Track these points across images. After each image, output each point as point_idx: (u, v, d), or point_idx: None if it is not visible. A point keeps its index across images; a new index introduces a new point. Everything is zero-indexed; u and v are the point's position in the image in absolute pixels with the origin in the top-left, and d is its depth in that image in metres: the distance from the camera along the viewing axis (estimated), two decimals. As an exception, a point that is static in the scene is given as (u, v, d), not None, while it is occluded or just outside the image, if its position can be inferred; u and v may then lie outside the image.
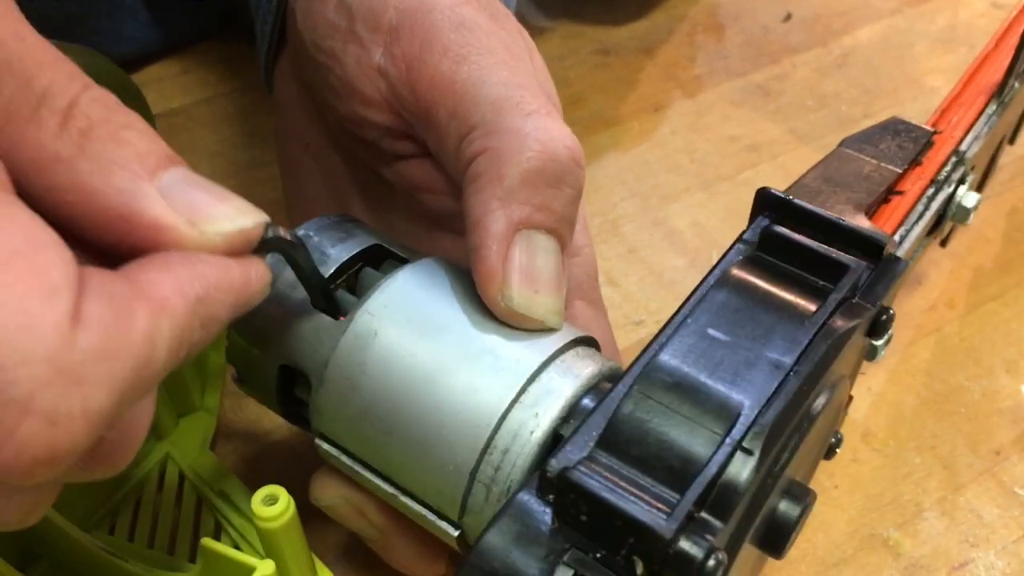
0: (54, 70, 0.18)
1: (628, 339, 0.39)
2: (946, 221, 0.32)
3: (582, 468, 0.20)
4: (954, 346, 0.39)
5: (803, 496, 0.23)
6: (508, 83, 0.26)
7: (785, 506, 0.23)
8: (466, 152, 0.25)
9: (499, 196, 0.24)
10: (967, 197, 0.31)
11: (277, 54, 0.35)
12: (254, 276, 0.20)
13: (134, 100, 0.32)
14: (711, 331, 0.22)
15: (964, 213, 0.31)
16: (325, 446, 0.26)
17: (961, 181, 0.31)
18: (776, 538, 0.23)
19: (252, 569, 0.25)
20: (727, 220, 0.44)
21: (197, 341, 0.18)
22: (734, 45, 0.53)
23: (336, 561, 0.32)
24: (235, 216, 0.20)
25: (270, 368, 0.26)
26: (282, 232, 0.22)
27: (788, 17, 0.55)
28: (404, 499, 0.25)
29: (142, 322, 0.17)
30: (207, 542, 0.25)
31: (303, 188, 0.35)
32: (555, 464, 0.20)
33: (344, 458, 0.25)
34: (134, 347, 0.16)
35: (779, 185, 0.44)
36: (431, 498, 0.24)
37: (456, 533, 0.24)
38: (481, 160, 0.25)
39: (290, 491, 0.26)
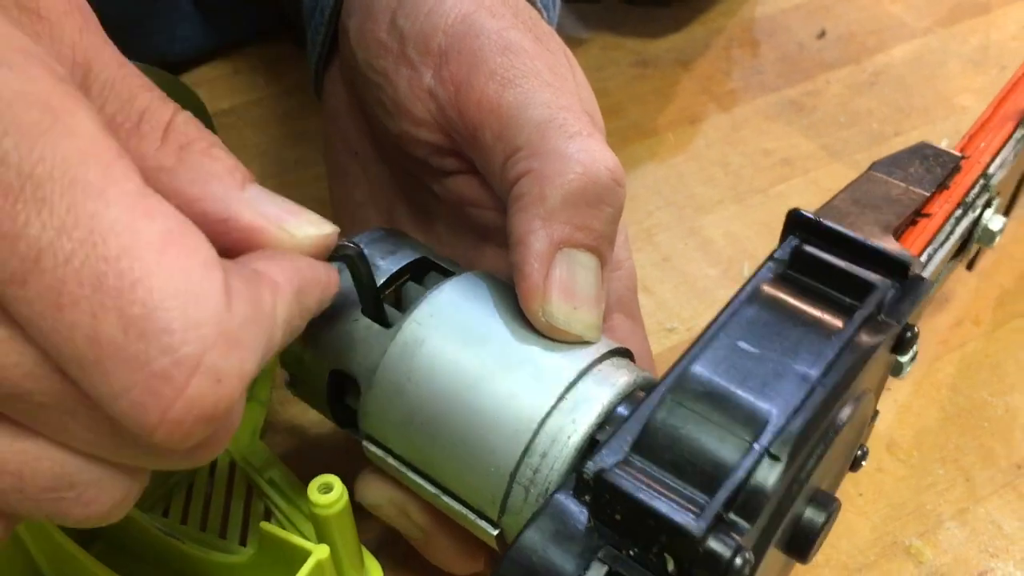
0: (149, 93, 0.20)
1: (661, 345, 0.40)
2: (972, 243, 0.33)
3: (618, 470, 0.21)
4: (978, 362, 0.40)
5: (828, 504, 0.24)
6: (551, 105, 0.27)
7: (811, 513, 0.24)
8: (511, 172, 0.27)
9: (541, 216, 0.26)
10: (993, 220, 0.32)
11: (327, 63, 0.37)
12: (333, 277, 0.22)
13: (202, 116, 0.33)
14: (741, 344, 0.23)
15: (990, 236, 0.32)
16: (372, 448, 0.27)
17: (987, 205, 0.32)
18: (802, 544, 0.24)
19: (308, 553, 0.26)
20: (760, 232, 0.45)
21: (294, 329, 0.20)
22: (769, 60, 0.54)
23: (374, 552, 0.34)
24: (317, 223, 0.21)
25: (321, 373, 0.28)
26: (347, 243, 0.23)
27: (823, 34, 0.56)
28: (446, 499, 0.26)
29: (268, 299, 0.19)
30: (266, 526, 0.27)
31: (350, 193, 0.37)
32: (592, 466, 0.22)
33: (390, 460, 0.27)
34: (268, 320, 0.18)
35: (810, 200, 0.46)
36: (472, 499, 0.26)
37: (495, 532, 0.26)
38: (525, 181, 0.26)
39: (334, 483, 0.27)
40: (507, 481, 0.24)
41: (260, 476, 0.34)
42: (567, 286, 0.25)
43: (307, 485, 0.33)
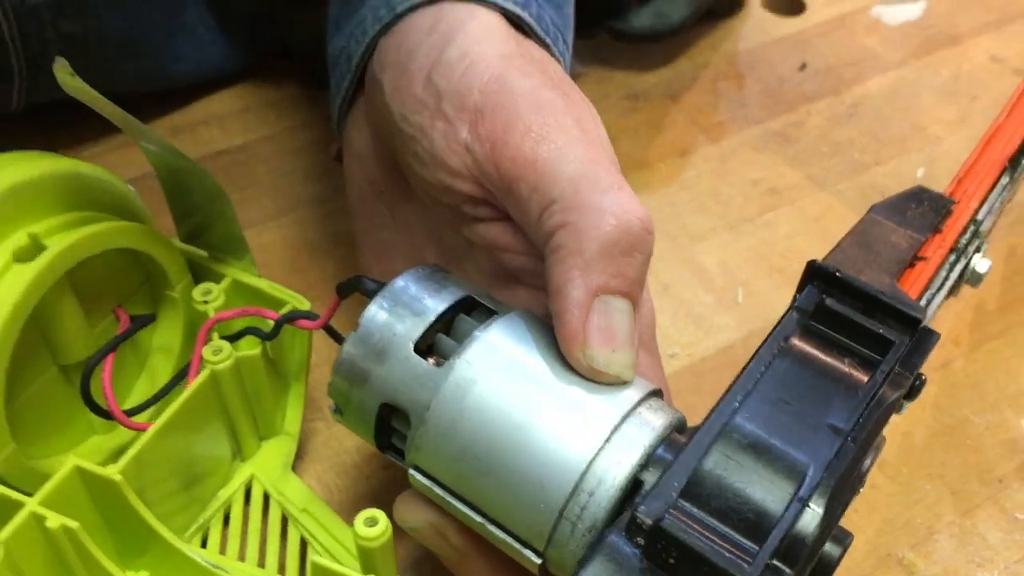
0: None
1: (664, 370, 0.42)
2: (961, 284, 0.36)
3: (672, 518, 0.24)
4: (960, 381, 0.43)
5: (844, 538, 0.26)
6: (583, 160, 0.29)
7: (829, 548, 0.26)
8: (547, 224, 0.29)
9: (579, 267, 0.28)
10: (980, 264, 0.35)
11: (350, 105, 0.38)
12: None
13: (217, 196, 0.35)
14: (778, 397, 0.25)
15: (977, 278, 0.35)
16: (419, 477, 0.29)
17: (977, 249, 0.35)
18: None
19: None
20: (750, 259, 0.48)
21: None
22: (753, 93, 0.57)
23: (406, 571, 0.36)
24: None
25: (371, 406, 0.30)
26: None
27: (803, 67, 0.58)
28: (492, 528, 0.28)
29: None
30: (317, 559, 0.29)
31: (376, 233, 0.39)
32: (646, 511, 0.24)
33: (437, 489, 0.29)
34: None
35: (797, 227, 0.48)
36: (520, 530, 0.27)
37: (539, 562, 0.28)
38: (561, 233, 0.28)
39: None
40: (556, 517, 0.26)
41: (294, 507, 0.35)
42: (605, 331, 0.27)
43: (339, 514, 0.35)
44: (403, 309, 0.29)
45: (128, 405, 0.35)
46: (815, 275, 0.29)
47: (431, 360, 0.29)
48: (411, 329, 0.29)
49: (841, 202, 0.51)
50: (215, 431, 0.35)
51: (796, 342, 0.27)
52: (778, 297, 0.46)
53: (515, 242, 0.32)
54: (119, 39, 0.48)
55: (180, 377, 0.35)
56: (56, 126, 0.48)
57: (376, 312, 0.30)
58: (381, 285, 0.31)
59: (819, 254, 0.46)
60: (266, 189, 0.49)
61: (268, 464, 0.37)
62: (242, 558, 0.35)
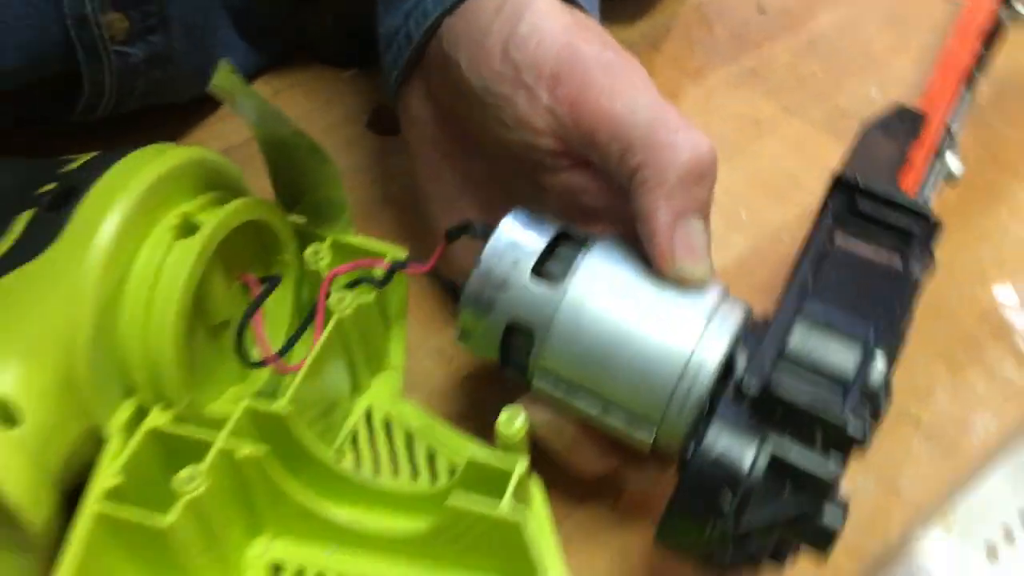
0: None
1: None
2: (940, 183, 0.43)
3: (774, 379, 0.31)
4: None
5: (845, 507, 0.32)
6: (651, 107, 0.36)
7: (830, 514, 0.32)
8: (629, 164, 0.35)
9: (663, 196, 0.34)
10: (954, 165, 0.42)
11: (406, 79, 0.44)
12: None
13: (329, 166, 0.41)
14: (836, 284, 0.32)
15: (953, 177, 0.43)
16: (543, 382, 0.36)
17: (949, 148, 0.42)
18: (824, 543, 0.32)
19: (510, 473, 0.34)
20: (747, 185, 0.55)
21: None
22: (723, 38, 0.64)
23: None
24: None
25: (497, 328, 0.36)
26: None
27: (762, 10, 0.66)
28: (610, 417, 0.35)
29: None
30: (474, 454, 0.35)
31: (446, 190, 0.44)
32: (752, 380, 0.31)
33: (559, 391, 0.35)
34: None
35: (783, 153, 0.56)
36: (636, 414, 0.34)
37: (652, 439, 0.34)
38: (644, 171, 0.35)
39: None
40: (667, 398, 0.33)
41: (415, 425, 0.41)
42: (689, 246, 0.34)
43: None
44: (516, 244, 0.36)
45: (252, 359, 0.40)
46: (841, 186, 0.37)
47: (545, 284, 0.35)
48: (526, 259, 0.35)
49: (814, 127, 0.58)
50: (340, 369, 0.41)
51: (839, 240, 0.35)
52: (775, 214, 0.53)
53: (593, 185, 0.38)
54: (191, 70, 0.53)
55: (304, 328, 0.41)
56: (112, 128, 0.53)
57: (494, 249, 0.36)
58: (490, 227, 0.37)
59: (804, 174, 0.55)
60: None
61: (382, 394, 0.43)
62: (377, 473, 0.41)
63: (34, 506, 0.33)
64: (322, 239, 0.42)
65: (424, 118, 0.44)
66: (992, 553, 0.43)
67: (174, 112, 0.55)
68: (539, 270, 0.36)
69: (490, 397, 0.39)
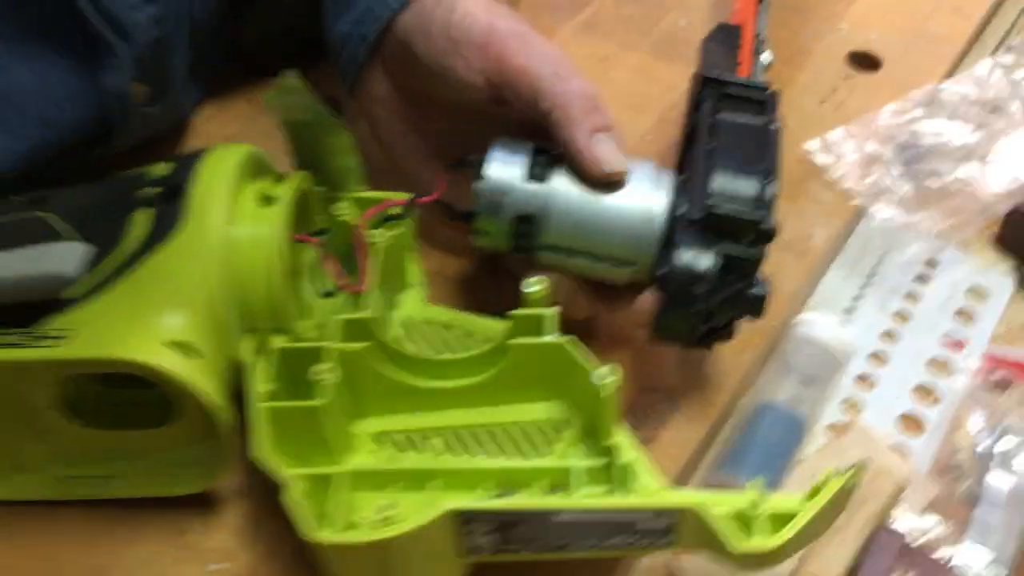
0: None
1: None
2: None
3: (708, 209, 0.47)
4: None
5: (769, 282, 0.50)
6: (552, 62, 0.51)
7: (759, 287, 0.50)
8: (543, 106, 0.50)
9: (574, 127, 0.49)
10: (766, 56, 0.60)
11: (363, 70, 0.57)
12: None
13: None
14: (730, 143, 0.49)
15: (763, 66, 0.61)
16: (548, 253, 0.51)
17: (760, 50, 0.60)
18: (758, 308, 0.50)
19: (545, 316, 0.49)
20: (613, 107, 0.71)
21: None
22: (561, 2, 0.80)
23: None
24: None
25: (505, 222, 0.50)
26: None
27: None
28: (600, 266, 0.50)
29: None
30: (517, 312, 0.49)
31: (414, 148, 0.58)
32: (696, 211, 0.47)
33: (561, 256, 0.50)
34: None
35: (630, 77, 0.73)
36: (618, 259, 0.50)
37: (631, 273, 0.50)
38: (555, 112, 0.49)
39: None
40: (638, 240, 0.49)
41: (446, 318, 0.55)
42: (604, 155, 0.49)
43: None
44: (507, 160, 0.50)
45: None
46: (708, 82, 0.53)
47: (536, 183, 0.50)
48: (520, 168, 0.50)
49: (649, 55, 0.76)
50: (379, 288, 0.54)
51: (721, 116, 0.51)
52: (638, 123, 0.70)
53: (520, 114, 0.53)
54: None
55: (350, 261, 0.53)
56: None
57: (492, 169, 0.50)
58: (479, 157, 0.51)
59: (649, 91, 0.72)
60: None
61: (413, 305, 0.56)
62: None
63: (224, 409, 0.45)
64: (341, 199, 0.55)
65: (385, 96, 0.57)
66: (844, 318, 0.62)
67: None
68: (530, 175, 0.50)
69: (488, 297, 0.53)
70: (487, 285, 0.59)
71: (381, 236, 0.53)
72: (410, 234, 0.56)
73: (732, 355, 0.57)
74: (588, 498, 0.44)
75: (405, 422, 0.51)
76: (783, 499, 0.40)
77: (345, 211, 0.54)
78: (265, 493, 0.48)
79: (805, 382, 0.58)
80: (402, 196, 0.55)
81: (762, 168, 0.48)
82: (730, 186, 0.48)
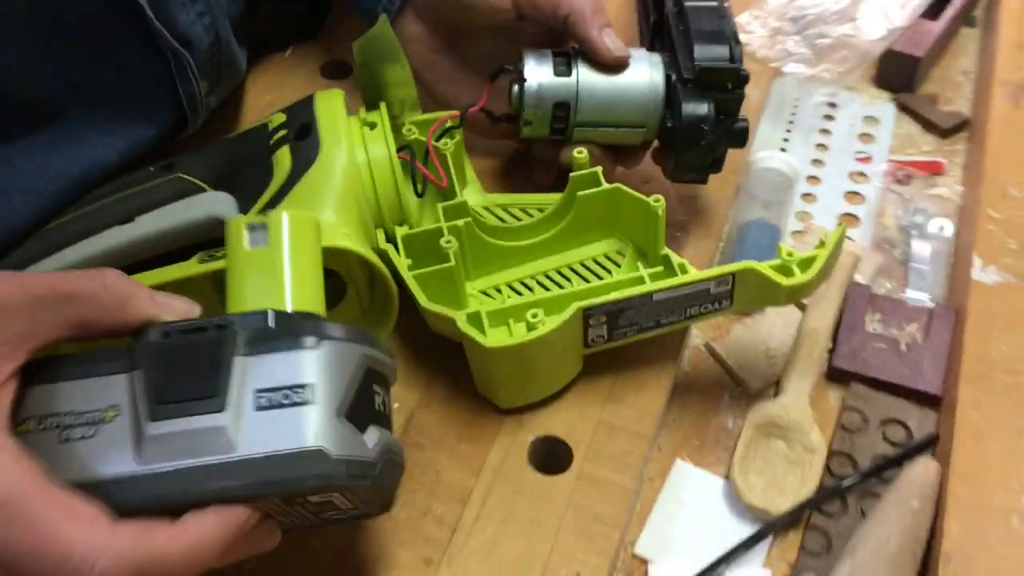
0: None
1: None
2: None
3: (699, 63, 0.64)
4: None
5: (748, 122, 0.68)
6: None
7: (742, 122, 0.68)
8: (560, 14, 0.65)
9: (588, 25, 0.65)
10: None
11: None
12: None
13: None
14: (694, 17, 0.66)
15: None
16: (581, 130, 0.66)
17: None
18: (742, 139, 0.68)
19: (596, 174, 0.65)
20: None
21: None
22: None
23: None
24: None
25: (547, 110, 0.66)
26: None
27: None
28: (621, 131, 0.67)
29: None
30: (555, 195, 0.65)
31: (448, 77, 0.72)
32: (688, 70, 0.64)
33: (587, 131, 0.66)
34: None
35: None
36: (633, 122, 0.66)
37: (645, 132, 0.67)
38: (572, 15, 0.65)
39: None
40: (647, 105, 0.65)
41: (506, 201, 0.70)
42: (612, 42, 0.65)
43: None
44: (539, 63, 0.66)
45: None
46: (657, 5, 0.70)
47: (564, 77, 0.66)
48: (549, 68, 0.65)
49: None
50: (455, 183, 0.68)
51: (687, 3, 0.68)
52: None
53: (540, 31, 0.69)
54: None
55: (422, 165, 0.68)
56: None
57: (530, 71, 0.65)
58: (516, 65, 0.66)
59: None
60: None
61: (475, 195, 0.71)
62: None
63: (389, 275, 0.59)
64: (403, 124, 0.69)
65: (418, 35, 0.71)
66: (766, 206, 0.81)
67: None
68: (557, 72, 0.66)
69: (523, 183, 0.70)
70: (519, 175, 0.75)
71: (446, 145, 0.67)
72: (462, 142, 0.71)
73: (716, 190, 0.74)
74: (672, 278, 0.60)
75: (503, 277, 0.66)
76: (804, 253, 0.58)
77: (413, 131, 0.68)
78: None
79: (766, 206, 0.76)
80: (453, 112, 0.69)
81: (727, 35, 0.65)
82: (709, 51, 0.65)
